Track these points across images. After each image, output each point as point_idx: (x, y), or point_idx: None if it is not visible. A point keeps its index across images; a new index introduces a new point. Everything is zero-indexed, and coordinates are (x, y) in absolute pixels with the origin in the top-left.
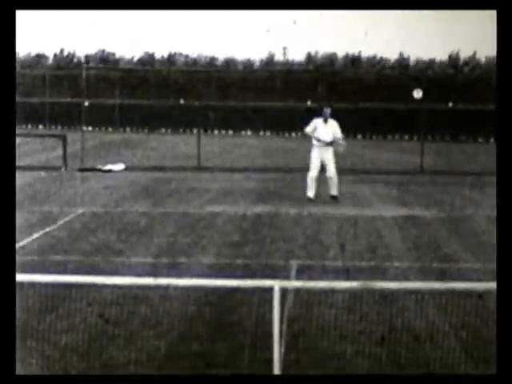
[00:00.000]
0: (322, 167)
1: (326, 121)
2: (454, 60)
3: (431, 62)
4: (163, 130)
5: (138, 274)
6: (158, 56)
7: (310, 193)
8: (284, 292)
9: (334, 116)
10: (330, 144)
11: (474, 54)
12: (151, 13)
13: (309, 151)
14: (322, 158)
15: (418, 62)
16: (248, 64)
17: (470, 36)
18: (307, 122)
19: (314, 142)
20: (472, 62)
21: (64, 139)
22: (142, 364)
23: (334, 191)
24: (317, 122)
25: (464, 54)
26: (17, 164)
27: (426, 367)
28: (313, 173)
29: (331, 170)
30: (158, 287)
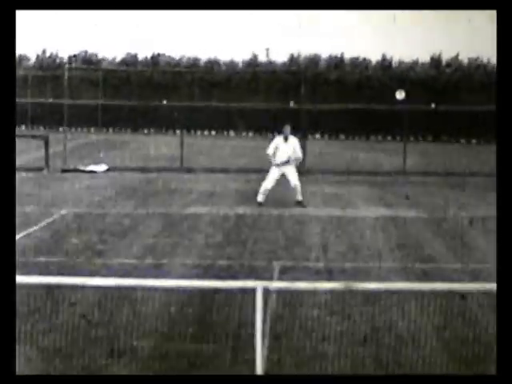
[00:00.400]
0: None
1: (286, 139)
2: (435, 61)
3: (414, 64)
4: (146, 131)
5: (121, 276)
6: (140, 57)
7: (261, 198)
8: (266, 293)
9: (317, 117)
10: (289, 162)
11: (457, 55)
12: (134, 14)
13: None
14: (282, 172)
15: (400, 63)
16: (231, 65)
17: (455, 37)
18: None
19: (274, 162)
20: (454, 63)
21: (46, 140)
22: (125, 364)
23: (299, 197)
24: (278, 141)
25: (447, 56)
26: None
27: (408, 367)
28: (268, 185)
29: (293, 180)
30: (140, 288)
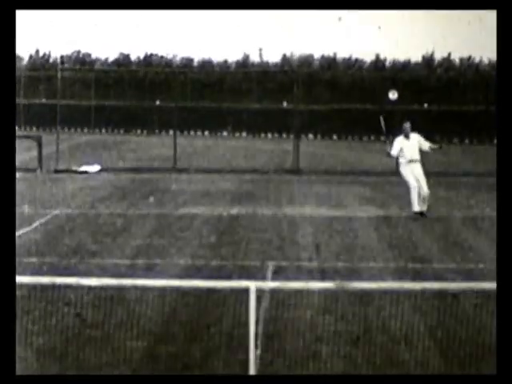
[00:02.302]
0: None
1: (407, 136)
2: (428, 61)
3: (406, 64)
4: (139, 131)
5: (114, 276)
6: (133, 57)
7: (418, 206)
8: (260, 293)
9: (310, 117)
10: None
11: (449, 55)
12: (127, 14)
13: (284, 152)
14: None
15: (394, 63)
16: (224, 65)
17: (446, 37)
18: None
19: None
20: (446, 63)
21: (39, 140)
22: (118, 365)
23: (424, 207)
24: (400, 141)
25: (439, 56)
26: None
27: (401, 367)
28: (414, 186)
29: (424, 186)
30: (133, 288)
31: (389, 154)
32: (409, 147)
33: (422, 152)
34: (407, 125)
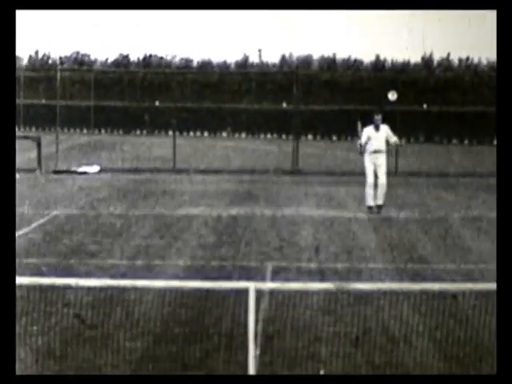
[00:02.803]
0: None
1: (377, 128)
2: (427, 62)
3: (406, 64)
4: (138, 132)
5: (113, 276)
6: (133, 58)
7: (370, 201)
8: (259, 294)
9: (309, 118)
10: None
11: (448, 55)
12: (127, 15)
13: (283, 153)
14: (374, 163)
15: (393, 63)
16: (223, 66)
17: (446, 38)
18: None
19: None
20: (445, 63)
21: (38, 141)
22: (118, 366)
23: (379, 201)
24: (369, 131)
25: (438, 56)
26: None
27: (401, 368)
28: (370, 180)
29: (382, 178)
30: (133, 289)
31: (360, 149)
32: (377, 138)
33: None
34: (378, 116)
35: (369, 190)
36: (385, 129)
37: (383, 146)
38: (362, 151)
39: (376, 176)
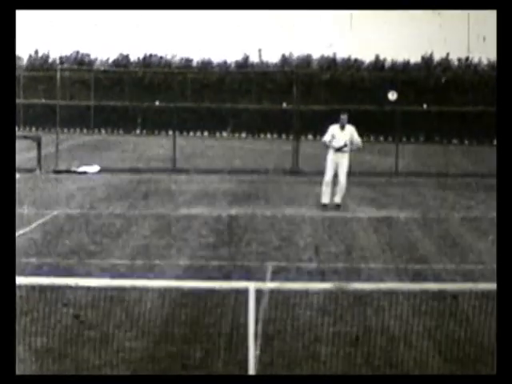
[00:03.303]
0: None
1: (343, 127)
2: (427, 62)
3: (406, 64)
4: (138, 132)
5: (113, 276)
6: (133, 57)
7: (325, 199)
8: (259, 293)
9: (310, 118)
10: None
11: (447, 55)
12: (127, 15)
13: (284, 152)
14: (336, 162)
15: (393, 63)
16: (223, 66)
17: (445, 38)
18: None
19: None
20: (444, 63)
21: (38, 141)
22: (117, 366)
23: (338, 199)
24: (334, 129)
25: (438, 56)
26: None
27: (400, 368)
28: (328, 178)
29: (342, 178)
30: (133, 289)
31: (325, 144)
32: (341, 137)
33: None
34: (344, 116)
35: (325, 188)
36: (350, 129)
37: (347, 146)
38: (328, 145)
39: (336, 175)
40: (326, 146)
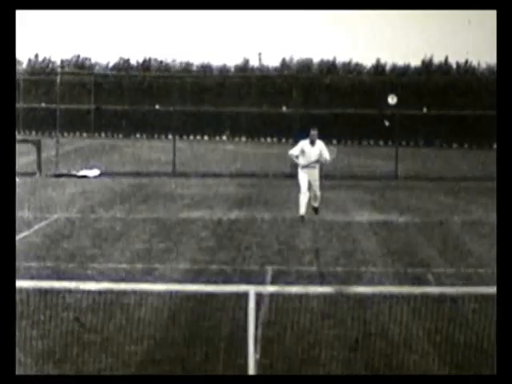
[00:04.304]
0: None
1: (313, 143)
2: (427, 65)
3: (406, 68)
4: (138, 136)
5: (113, 280)
6: (133, 61)
7: (303, 210)
8: (259, 297)
9: (309, 122)
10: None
11: (446, 59)
12: (127, 18)
13: (283, 156)
14: (308, 178)
15: (393, 67)
16: (223, 69)
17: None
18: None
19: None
20: (444, 67)
21: (38, 145)
22: (117, 369)
23: (315, 203)
24: (303, 145)
25: (438, 60)
26: None
27: (399, 371)
28: (304, 191)
29: (316, 190)
30: (132, 293)
31: (291, 157)
32: (311, 153)
33: None
34: (314, 131)
35: (302, 200)
36: (320, 145)
37: (317, 162)
38: (295, 160)
39: (310, 188)
40: (293, 160)
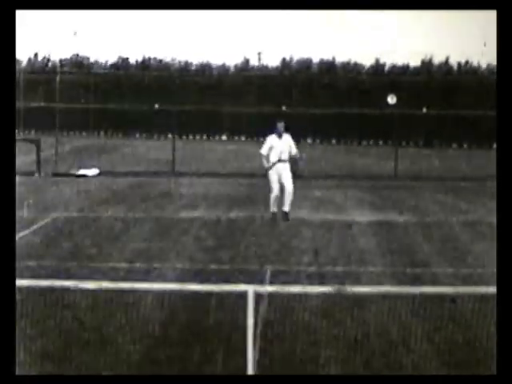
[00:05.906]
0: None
1: (280, 136)
2: (427, 65)
3: (405, 68)
4: (138, 135)
5: (112, 279)
6: (132, 61)
7: (273, 208)
8: (258, 297)
9: (309, 121)
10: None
11: (447, 59)
12: (126, 17)
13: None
14: (279, 174)
15: (393, 67)
16: (223, 69)
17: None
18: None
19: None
20: (444, 67)
21: (38, 144)
22: (116, 368)
23: (286, 207)
24: (271, 140)
25: (438, 60)
26: None
27: (398, 371)
28: (275, 192)
29: (288, 187)
30: (131, 292)
31: (267, 166)
32: (279, 147)
33: None
34: (281, 124)
35: (273, 198)
36: (287, 138)
37: (286, 156)
38: (268, 168)
39: (282, 184)
40: (268, 169)
